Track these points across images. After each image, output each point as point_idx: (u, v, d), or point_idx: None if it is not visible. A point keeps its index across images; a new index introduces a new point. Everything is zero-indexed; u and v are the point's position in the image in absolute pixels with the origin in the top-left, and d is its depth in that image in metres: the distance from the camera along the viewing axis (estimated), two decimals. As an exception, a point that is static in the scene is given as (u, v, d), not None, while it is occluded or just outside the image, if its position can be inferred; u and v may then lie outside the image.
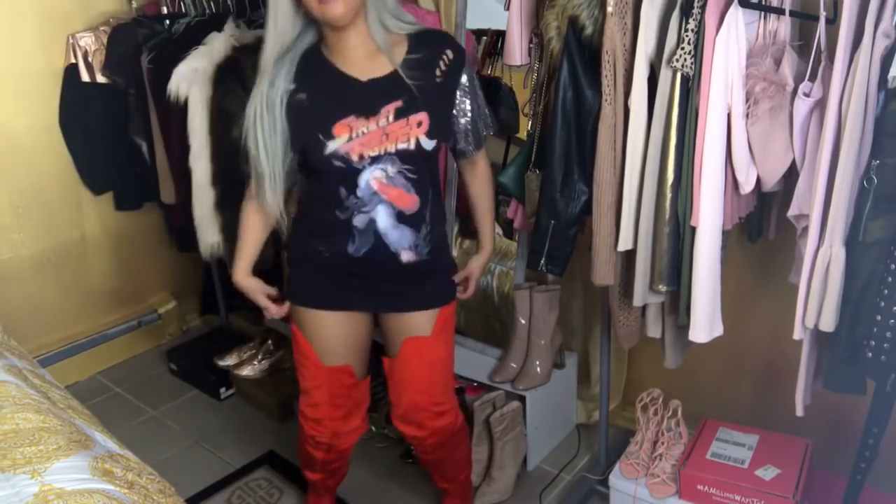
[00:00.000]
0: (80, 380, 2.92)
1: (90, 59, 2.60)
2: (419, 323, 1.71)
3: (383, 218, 1.57)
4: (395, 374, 1.77)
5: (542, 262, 1.80)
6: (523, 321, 2.26)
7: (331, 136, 1.52)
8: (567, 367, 2.38)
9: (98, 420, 1.68)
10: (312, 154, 1.53)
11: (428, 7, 2.49)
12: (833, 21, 1.45)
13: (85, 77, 2.60)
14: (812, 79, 1.47)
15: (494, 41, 2.45)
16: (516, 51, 1.89)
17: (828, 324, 1.46)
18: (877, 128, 1.37)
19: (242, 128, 1.55)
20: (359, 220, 1.57)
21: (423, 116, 1.53)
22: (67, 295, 2.89)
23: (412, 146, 1.52)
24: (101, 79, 2.62)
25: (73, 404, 1.69)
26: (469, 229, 2.65)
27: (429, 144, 1.53)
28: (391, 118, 1.52)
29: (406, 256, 1.61)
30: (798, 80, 1.49)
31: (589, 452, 2.39)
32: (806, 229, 1.49)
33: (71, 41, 2.58)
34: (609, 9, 1.56)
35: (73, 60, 2.59)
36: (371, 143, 1.52)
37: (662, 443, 2.01)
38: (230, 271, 1.77)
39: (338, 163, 1.52)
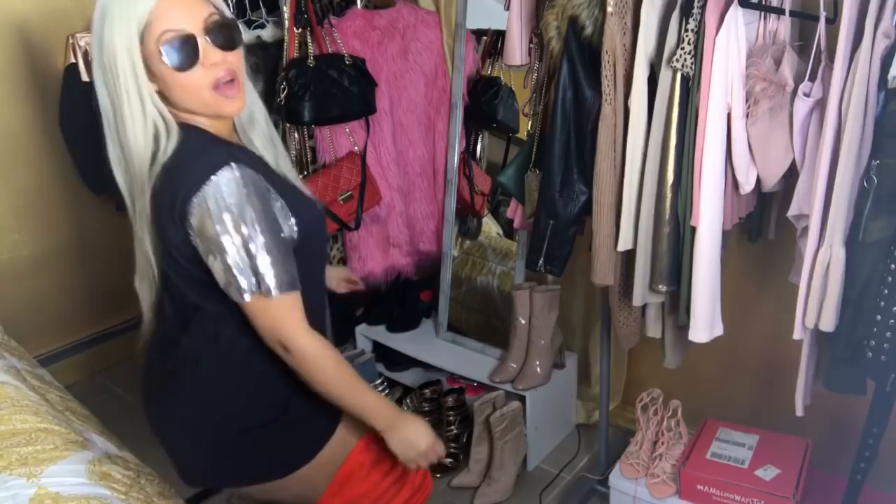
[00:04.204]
0: (80, 380, 2.92)
1: (90, 58, 2.60)
2: None
3: None
4: None
5: (541, 262, 1.80)
6: (523, 321, 2.26)
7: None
8: (567, 367, 2.38)
9: (98, 420, 1.68)
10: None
11: (428, 7, 2.49)
12: (833, 21, 1.44)
13: (85, 77, 2.59)
14: (812, 79, 1.46)
15: (494, 41, 2.45)
16: (516, 51, 1.88)
17: (828, 324, 1.46)
18: (877, 128, 1.37)
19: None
20: None
21: None
22: (67, 295, 2.90)
23: None
24: (101, 79, 2.62)
25: (71, 406, 1.69)
26: (469, 229, 2.66)
27: None
28: None
29: None
30: (798, 80, 1.48)
31: (589, 452, 2.38)
32: (806, 229, 1.49)
33: (71, 41, 2.57)
34: (609, 9, 1.56)
35: (73, 60, 2.58)
36: None
37: (662, 443, 2.01)
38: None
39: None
